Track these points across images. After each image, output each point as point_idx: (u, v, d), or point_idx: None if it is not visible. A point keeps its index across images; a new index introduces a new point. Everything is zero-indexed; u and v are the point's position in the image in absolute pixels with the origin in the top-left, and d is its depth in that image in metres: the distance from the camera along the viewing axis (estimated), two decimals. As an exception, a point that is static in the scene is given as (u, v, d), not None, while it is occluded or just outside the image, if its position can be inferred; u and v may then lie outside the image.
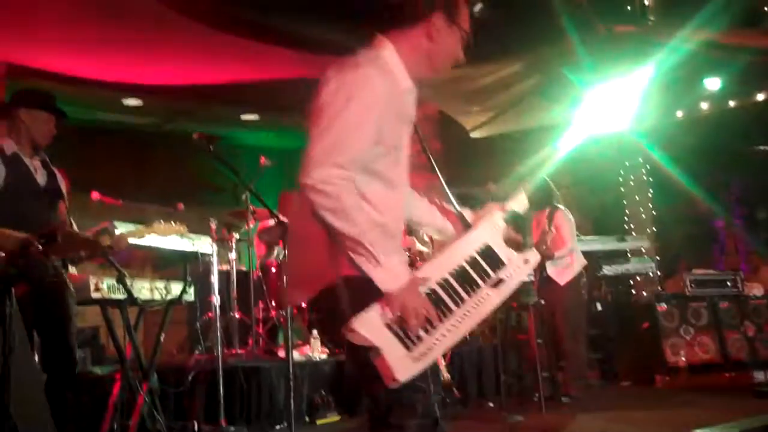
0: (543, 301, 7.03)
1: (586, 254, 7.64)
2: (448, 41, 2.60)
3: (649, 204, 9.76)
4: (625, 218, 9.92)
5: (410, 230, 6.85)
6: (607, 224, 11.01)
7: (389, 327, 2.28)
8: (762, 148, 12.45)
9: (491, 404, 6.88)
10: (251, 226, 7.09)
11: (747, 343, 8.45)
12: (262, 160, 6.90)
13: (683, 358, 7.88)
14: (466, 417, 6.59)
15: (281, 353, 6.46)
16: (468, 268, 2.52)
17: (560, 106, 8.45)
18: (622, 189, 9.95)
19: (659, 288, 9.29)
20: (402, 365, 2.26)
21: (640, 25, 7.80)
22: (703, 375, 7.79)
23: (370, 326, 2.26)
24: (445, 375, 6.77)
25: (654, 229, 9.75)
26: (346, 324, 2.25)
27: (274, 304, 7.13)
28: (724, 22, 10.58)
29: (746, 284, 9.00)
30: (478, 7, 9.42)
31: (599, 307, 8.69)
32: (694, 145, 9.03)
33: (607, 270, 8.58)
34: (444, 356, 6.95)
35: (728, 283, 8.85)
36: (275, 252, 7.65)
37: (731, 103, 8.92)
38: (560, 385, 6.99)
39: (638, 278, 9.45)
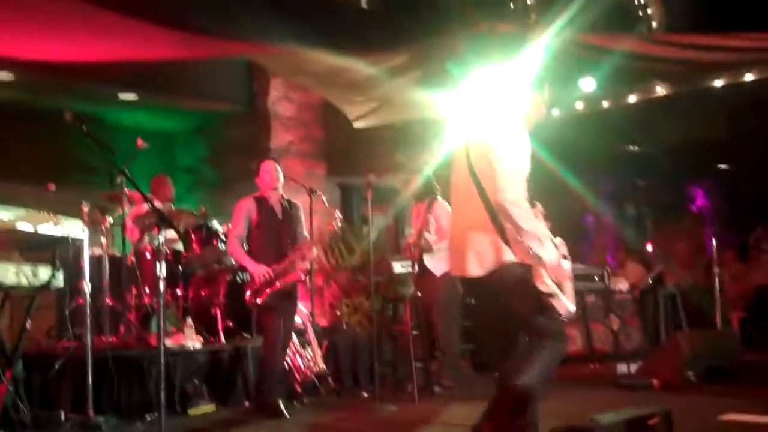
0: (419, 293, 7.13)
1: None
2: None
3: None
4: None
5: None
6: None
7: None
8: (632, 147, 13.03)
9: (365, 394, 6.93)
10: (125, 209, 6.90)
11: (612, 335, 8.82)
12: (139, 142, 6.72)
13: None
14: (340, 406, 6.63)
15: (153, 341, 6.32)
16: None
17: (443, 100, 8.55)
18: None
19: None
20: (562, 303, 3.97)
21: (520, 24, 8.00)
22: (569, 366, 8.07)
23: (549, 283, 3.93)
24: (321, 365, 6.78)
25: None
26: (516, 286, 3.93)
27: (147, 290, 6.97)
28: (596, 24, 11.00)
29: (612, 279, 9.38)
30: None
31: (473, 300, 8.86)
32: (568, 143, 9.33)
33: (483, 262, 8.75)
34: (320, 346, 6.97)
35: (595, 278, 9.20)
36: (149, 237, 7.47)
37: (605, 104, 9.24)
38: (433, 375, 7.11)
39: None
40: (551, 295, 3.92)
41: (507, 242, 3.88)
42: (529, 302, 3.93)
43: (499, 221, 3.85)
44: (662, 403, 4.97)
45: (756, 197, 15.08)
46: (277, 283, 6.03)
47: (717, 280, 9.25)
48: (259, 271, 6.03)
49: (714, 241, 9.13)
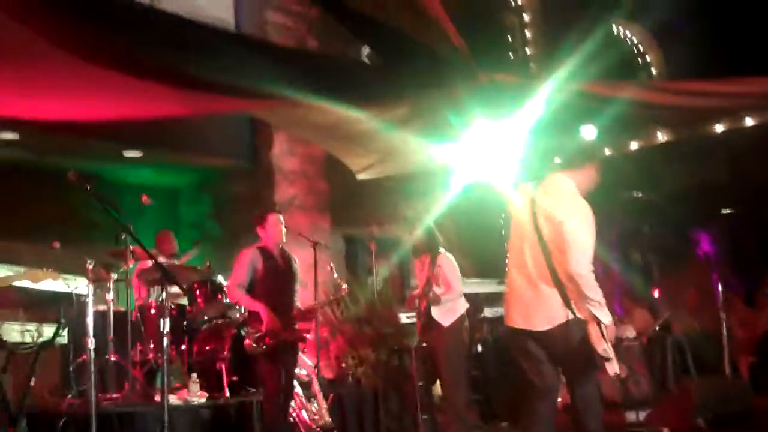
0: (425, 344, 7.11)
1: (468, 296, 7.78)
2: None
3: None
4: (507, 261, 10.14)
5: None
6: (489, 267, 11.25)
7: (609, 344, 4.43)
8: (636, 194, 13.05)
9: (372, 447, 6.88)
10: (130, 265, 6.93)
11: (620, 384, 8.74)
12: (144, 198, 6.79)
13: (560, 399, 8.06)
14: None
15: (158, 397, 6.29)
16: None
17: (445, 151, 8.61)
18: (503, 233, 10.20)
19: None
20: (613, 366, 4.45)
21: (520, 74, 8.08)
22: (578, 415, 7.99)
23: (606, 347, 4.40)
24: (327, 418, 6.74)
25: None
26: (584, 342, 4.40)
27: (152, 346, 6.96)
28: (597, 73, 11.12)
29: (619, 326, 9.32)
30: (366, 51, 9.62)
31: (480, 348, 8.83)
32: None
33: (488, 312, 8.75)
34: (326, 398, 6.93)
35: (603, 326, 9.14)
36: (155, 293, 7.49)
37: (606, 151, 9.28)
38: (440, 427, 7.05)
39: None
40: (608, 359, 4.41)
41: (567, 302, 4.42)
42: (588, 361, 4.44)
43: (560, 282, 4.42)
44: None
45: (761, 241, 15.08)
46: (285, 336, 6.02)
47: (724, 326, 9.21)
48: (271, 320, 5.98)
49: (720, 287, 9.11)
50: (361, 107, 7.30)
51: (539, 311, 4.48)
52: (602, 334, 4.37)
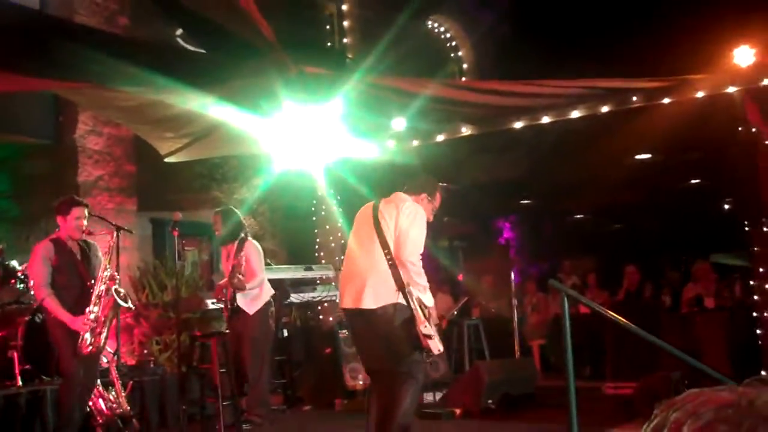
0: (228, 330, 7.16)
1: (275, 283, 7.88)
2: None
3: (339, 234, 10.23)
4: (316, 247, 10.32)
5: None
6: (301, 252, 11.40)
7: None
8: (442, 184, 13.58)
9: (172, 434, 6.84)
10: None
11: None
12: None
13: (361, 382, 8.34)
14: (145, 449, 6.54)
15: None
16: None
17: (258, 138, 8.61)
18: (314, 219, 10.35)
19: (343, 315, 9.74)
20: (436, 344, 5.05)
21: (332, 66, 8.22)
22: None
23: (429, 326, 5.02)
24: (125, 406, 6.64)
25: (342, 257, 10.20)
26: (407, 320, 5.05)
27: None
28: (408, 66, 11.46)
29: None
30: (179, 31, 9.43)
31: (285, 333, 8.96)
32: (379, 180, 9.61)
33: (294, 298, 8.88)
34: (125, 386, 6.83)
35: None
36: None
37: (414, 143, 9.59)
38: (243, 412, 7.11)
39: (326, 305, 9.86)
40: (430, 336, 4.98)
41: (398, 288, 5.06)
42: (411, 341, 5.03)
43: (396, 271, 5.07)
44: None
45: (557, 231, 16.11)
46: (103, 330, 5.97)
47: (515, 311, 9.81)
48: (80, 325, 5.89)
49: (513, 275, 9.69)
50: (171, 92, 7.19)
51: (368, 293, 5.08)
52: (425, 316, 5.03)
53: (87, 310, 5.95)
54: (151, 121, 7.90)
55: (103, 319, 5.96)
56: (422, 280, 5.17)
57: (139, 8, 9.50)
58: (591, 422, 6.01)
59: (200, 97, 7.37)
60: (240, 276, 7.19)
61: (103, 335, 5.98)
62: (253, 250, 7.34)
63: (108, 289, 6.10)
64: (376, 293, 5.10)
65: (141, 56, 6.94)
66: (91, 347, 5.89)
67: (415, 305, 5.04)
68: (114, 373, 6.75)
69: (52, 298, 5.98)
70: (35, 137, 8.96)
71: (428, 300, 5.20)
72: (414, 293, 5.06)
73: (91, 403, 6.40)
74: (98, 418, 6.43)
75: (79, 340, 5.90)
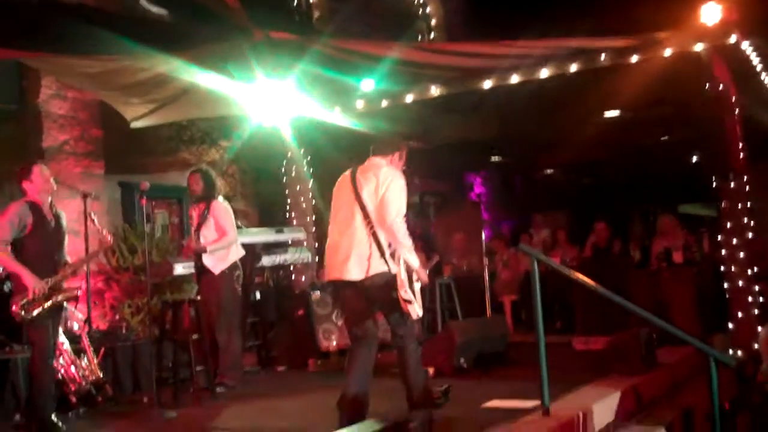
0: (199, 296, 7.17)
1: (247, 246, 7.88)
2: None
3: (309, 195, 10.21)
4: (287, 208, 10.29)
5: None
6: (272, 212, 11.38)
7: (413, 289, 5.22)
8: (411, 143, 13.58)
9: (146, 399, 6.85)
10: None
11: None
12: None
13: (334, 343, 8.41)
14: (120, 414, 6.55)
15: None
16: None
17: (227, 99, 8.55)
18: (285, 180, 10.31)
19: (315, 276, 9.78)
20: (415, 308, 5.19)
21: (297, 31, 8.17)
22: (344, 357, 8.34)
23: (408, 291, 5.15)
24: (97, 372, 6.65)
25: (313, 218, 10.22)
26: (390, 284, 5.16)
27: None
28: (373, 24, 11.36)
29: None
30: (144, 3, 9.26)
31: (258, 295, 8.98)
32: (349, 139, 9.59)
33: (266, 261, 8.89)
34: (97, 352, 6.82)
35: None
36: None
37: (384, 103, 9.56)
38: (215, 376, 7.15)
39: (298, 267, 9.88)
40: (410, 301, 5.13)
41: (381, 255, 5.22)
42: (392, 306, 5.19)
43: (378, 239, 5.22)
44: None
45: (526, 188, 16.22)
46: (56, 298, 5.85)
47: (486, 268, 9.88)
48: (37, 284, 5.77)
49: (484, 232, 9.75)
50: (136, 58, 7.09)
51: (353, 264, 5.22)
52: (411, 279, 5.22)
53: (46, 279, 5.82)
54: (116, 88, 7.83)
55: (45, 302, 5.85)
56: (407, 240, 5.25)
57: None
58: (563, 379, 6.09)
59: (166, 62, 7.30)
60: (208, 235, 7.20)
61: (36, 311, 5.76)
62: (221, 209, 7.32)
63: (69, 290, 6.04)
64: (361, 264, 5.23)
65: (102, 21, 6.84)
66: (22, 311, 5.71)
67: (400, 270, 5.16)
68: (86, 340, 6.74)
69: (4, 252, 5.76)
70: (-2, 101, 8.80)
71: (414, 261, 5.28)
72: (401, 256, 5.19)
73: (63, 371, 6.40)
74: (71, 385, 6.43)
75: (20, 295, 5.76)
